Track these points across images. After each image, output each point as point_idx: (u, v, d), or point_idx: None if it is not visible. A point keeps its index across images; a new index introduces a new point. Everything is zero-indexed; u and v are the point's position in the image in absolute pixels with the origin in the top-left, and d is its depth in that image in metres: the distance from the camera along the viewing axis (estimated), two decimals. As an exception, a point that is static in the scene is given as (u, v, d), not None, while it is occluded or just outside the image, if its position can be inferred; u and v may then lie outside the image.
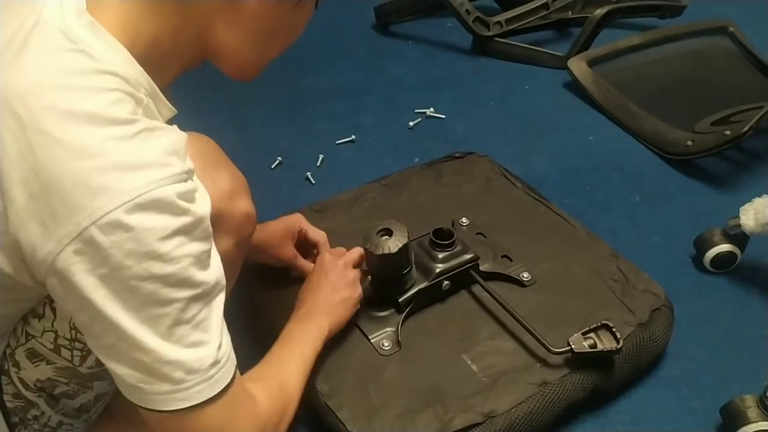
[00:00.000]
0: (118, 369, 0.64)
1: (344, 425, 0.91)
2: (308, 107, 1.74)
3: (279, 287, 1.10)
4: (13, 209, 0.59)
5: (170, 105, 0.71)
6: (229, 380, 0.67)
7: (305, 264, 1.09)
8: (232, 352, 0.69)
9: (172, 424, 0.66)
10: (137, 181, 0.58)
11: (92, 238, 0.57)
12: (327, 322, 0.95)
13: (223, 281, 0.67)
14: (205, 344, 0.65)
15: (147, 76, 0.66)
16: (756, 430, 0.94)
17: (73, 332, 0.72)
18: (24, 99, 0.59)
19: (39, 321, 0.73)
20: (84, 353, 0.74)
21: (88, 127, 0.58)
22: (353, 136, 1.62)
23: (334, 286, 0.99)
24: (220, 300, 0.67)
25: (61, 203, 0.58)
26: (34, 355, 0.74)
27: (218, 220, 0.74)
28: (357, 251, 1.05)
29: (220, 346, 0.66)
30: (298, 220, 1.10)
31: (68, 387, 0.76)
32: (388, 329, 1.03)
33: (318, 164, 1.52)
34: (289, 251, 1.08)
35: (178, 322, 0.62)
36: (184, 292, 0.62)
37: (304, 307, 0.97)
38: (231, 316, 1.15)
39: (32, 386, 0.75)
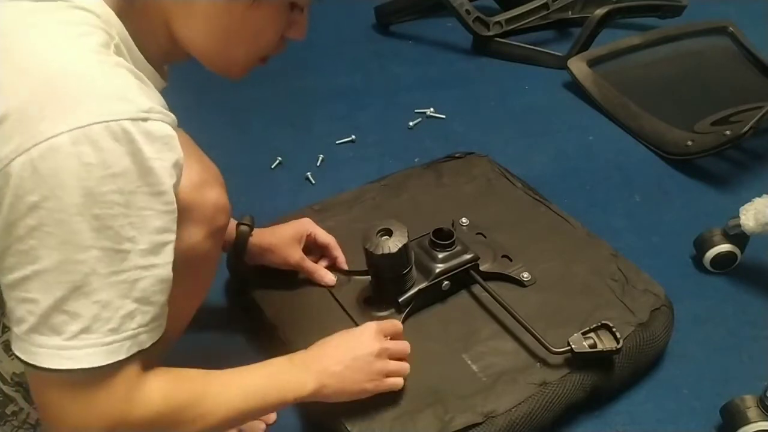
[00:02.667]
0: (17, 309, 0.59)
1: (344, 425, 0.91)
2: (308, 107, 1.74)
3: (280, 288, 1.10)
4: None
5: (156, 73, 0.71)
6: (120, 357, 0.62)
7: (312, 266, 1.09)
8: (147, 334, 0.63)
9: (42, 382, 0.62)
10: (89, 110, 0.56)
11: (30, 160, 0.55)
12: (315, 385, 0.83)
13: (169, 277, 0.64)
14: (115, 309, 0.60)
15: (121, 23, 0.65)
16: (756, 430, 0.94)
17: None
18: None
19: None
20: None
21: (52, 57, 0.58)
22: (353, 136, 1.62)
23: (352, 348, 0.88)
24: (152, 273, 0.62)
25: (15, 120, 0.56)
26: (10, 348, 0.72)
27: (188, 210, 0.73)
28: (406, 345, 0.94)
29: (131, 319, 0.61)
30: (306, 224, 1.10)
31: None
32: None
33: (318, 164, 1.52)
34: (297, 254, 1.08)
35: (93, 273, 0.58)
36: (103, 242, 0.58)
37: (308, 353, 0.87)
38: (229, 316, 1.15)
39: (9, 380, 0.74)
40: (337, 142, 1.60)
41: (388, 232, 0.99)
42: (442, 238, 1.07)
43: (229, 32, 0.71)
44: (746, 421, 0.94)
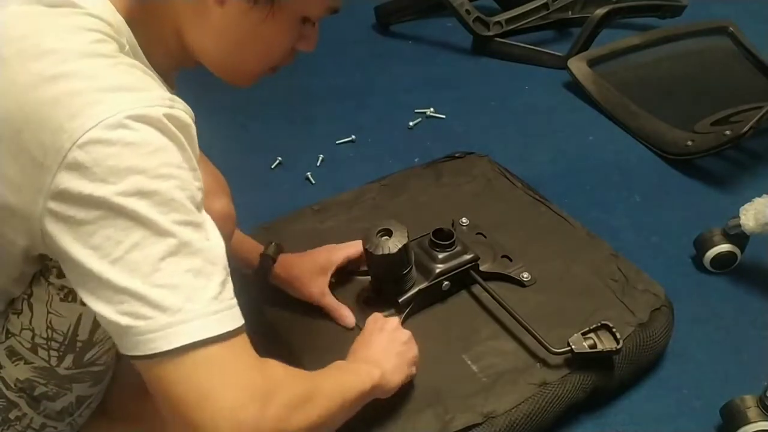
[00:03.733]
0: (103, 309, 0.57)
1: (344, 425, 0.91)
2: (308, 107, 1.74)
3: (280, 288, 1.08)
4: None
5: (164, 82, 0.71)
6: (237, 324, 0.59)
7: (333, 304, 1.05)
8: (238, 308, 0.61)
9: (163, 372, 0.56)
10: (117, 101, 0.57)
11: (75, 159, 0.55)
12: (380, 370, 0.85)
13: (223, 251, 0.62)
14: (206, 276, 0.58)
15: (131, 31, 0.65)
16: (756, 430, 0.94)
17: (49, 331, 0.71)
18: (7, 44, 0.59)
19: (18, 317, 0.72)
20: (60, 354, 0.73)
21: (70, 60, 0.58)
22: (353, 136, 1.62)
23: (390, 340, 0.92)
24: (218, 245, 0.60)
25: (43, 132, 0.56)
26: (13, 354, 0.73)
27: None
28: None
29: (223, 286, 0.59)
30: (331, 256, 1.07)
31: (47, 388, 0.75)
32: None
33: (318, 164, 1.52)
34: (318, 288, 1.05)
35: (169, 251, 0.56)
36: (173, 215, 0.57)
37: (355, 356, 0.90)
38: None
39: (13, 386, 0.75)
40: (337, 142, 1.60)
41: (388, 233, 0.99)
42: (442, 238, 1.07)
43: (241, 44, 0.71)
44: (746, 421, 0.94)
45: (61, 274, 0.66)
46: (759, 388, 0.95)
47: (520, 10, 1.98)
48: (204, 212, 0.62)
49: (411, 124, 1.67)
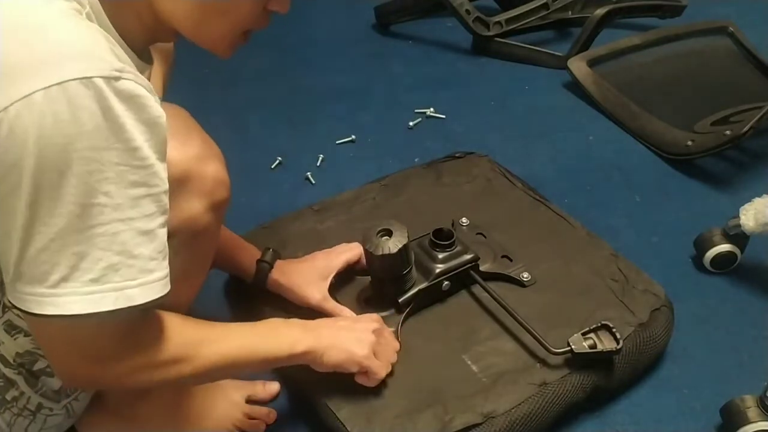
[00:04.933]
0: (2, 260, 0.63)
1: (344, 425, 0.92)
2: (308, 107, 1.74)
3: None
4: None
5: (132, 51, 0.71)
6: (105, 309, 0.63)
7: (334, 308, 1.04)
8: (137, 290, 0.64)
9: (43, 330, 0.67)
10: (65, 67, 0.57)
11: (8, 121, 0.56)
12: (310, 343, 0.86)
13: (150, 231, 0.64)
14: (89, 258, 0.61)
15: (100, 7, 0.66)
16: (756, 430, 0.94)
17: None
18: None
19: None
20: None
21: (27, 14, 0.59)
22: (353, 136, 1.62)
23: (350, 328, 0.93)
24: (137, 240, 0.63)
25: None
26: (12, 328, 0.74)
27: (187, 181, 0.76)
28: (397, 344, 1.00)
29: (109, 267, 0.62)
30: (330, 261, 1.06)
31: (47, 362, 0.76)
32: (388, 329, 1.03)
33: (318, 164, 1.52)
34: (318, 293, 1.04)
35: (65, 228, 0.60)
36: (83, 197, 0.59)
37: (309, 321, 0.92)
38: (229, 316, 1.15)
39: (12, 362, 0.75)
40: (337, 142, 1.60)
41: (388, 233, 0.99)
42: (442, 238, 1.07)
43: (209, 9, 0.71)
44: (746, 421, 0.94)
45: None
46: (759, 388, 0.95)
47: (520, 10, 1.98)
48: (141, 188, 0.63)
49: (411, 124, 1.67)
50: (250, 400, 1.01)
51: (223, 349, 0.78)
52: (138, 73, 0.63)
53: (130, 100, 0.60)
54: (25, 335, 0.74)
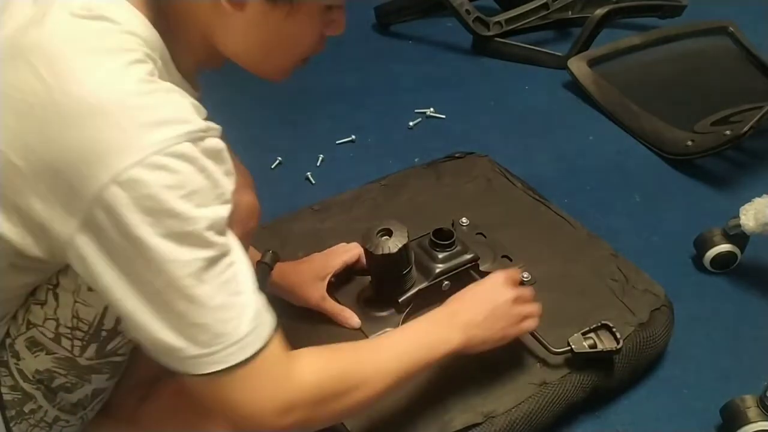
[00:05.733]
0: (143, 336, 0.63)
1: (344, 425, 0.91)
2: (308, 107, 1.74)
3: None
4: (22, 174, 0.59)
5: (190, 86, 0.73)
6: (260, 345, 0.65)
7: (334, 308, 1.04)
8: (267, 314, 0.67)
9: (201, 386, 0.65)
10: (156, 138, 0.58)
11: (112, 195, 0.57)
12: (462, 338, 0.85)
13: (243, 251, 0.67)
14: (231, 307, 0.64)
15: (163, 43, 0.67)
16: (756, 430, 0.94)
17: (75, 320, 0.72)
18: (47, 60, 0.59)
19: (41, 308, 0.73)
20: (84, 343, 0.74)
21: (108, 86, 0.59)
22: (353, 136, 1.62)
23: (495, 311, 0.89)
24: (242, 266, 0.66)
25: (79, 164, 0.57)
26: (34, 345, 0.74)
27: None
28: (531, 289, 0.98)
29: (248, 310, 0.65)
30: (329, 262, 1.07)
31: (66, 379, 0.76)
32: (388, 329, 1.03)
33: (318, 164, 1.52)
34: (317, 293, 1.04)
35: (199, 282, 0.61)
36: (204, 252, 0.61)
37: (447, 309, 0.88)
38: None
39: (31, 378, 0.75)
40: (337, 142, 1.60)
41: (388, 232, 0.99)
42: (442, 238, 1.07)
43: (268, 44, 0.72)
44: (746, 421, 0.94)
45: None
46: (759, 388, 0.95)
47: (520, 10, 1.98)
48: (230, 235, 0.65)
49: (411, 124, 1.67)
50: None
51: (380, 364, 0.77)
52: (214, 125, 0.64)
53: (217, 155, 0.63)
54: (47, 353, 0.74)
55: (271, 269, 1.05)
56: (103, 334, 0.74)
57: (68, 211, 0.59)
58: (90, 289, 0.71)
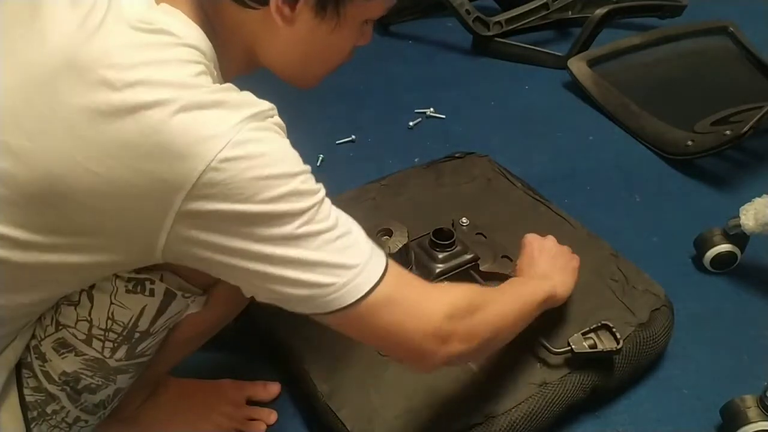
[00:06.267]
0: (286, 290, 0.65)
1: (344, 425, 0.91)
2: (308, 107, 1.73)
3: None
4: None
5: None
6: (386, 260, 0.69)
7: None
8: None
9: (356, 317, 0.67)
10: (236, 118, 0.61)
11: (210, 179, 0.59)
12: (551, 282, 0.93)
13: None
14: (347, 235, 0.67)
15: (215, 55, 0.69)
16: (756, 430, 0.94)
17: (109, 322, 0.73)
18: (111, 71, 0.60)
19: (74, 309, 0.73)
20: (115, 345, 0.74)
21: (178, 91, 0.61)
22: (353, 136, 1.62)
23: (553, 256, 0.99)
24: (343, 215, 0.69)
25: (169, 163, 0.59)
26: (63, 346, 0.74)
27: None
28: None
29: (359, 233, 0.69)
30: None
31: (92, 380, 0.76)
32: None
33: (318, 164, 1.52)
34: None
35: (317, 230, 0.65)
36: (309, 201, 0.65)
37: (529, 271, 0.96)
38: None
39: (57, 379, 0.75)
40: (337, 142, 1.60)
41: (388, 232, 0.99)
42: (442, 238, 1.07)
43: (311, 55, 0.76)
44: (746, 421, 0.94)
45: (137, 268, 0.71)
46: (759, 387, 0.95)
47: (520, 10, 1.98)
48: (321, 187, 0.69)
49: (411, 124, 1.67)
50: (250, 401, 1.01)
51: (508, 296, 0.84)
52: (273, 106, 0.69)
53: (284, 130, 0.68)
54: (76, 354, 0.74)
55: None
56: (136, 335, 0.74)
57: (163, 209, 0.61)
58: (128, 291, 0.72)
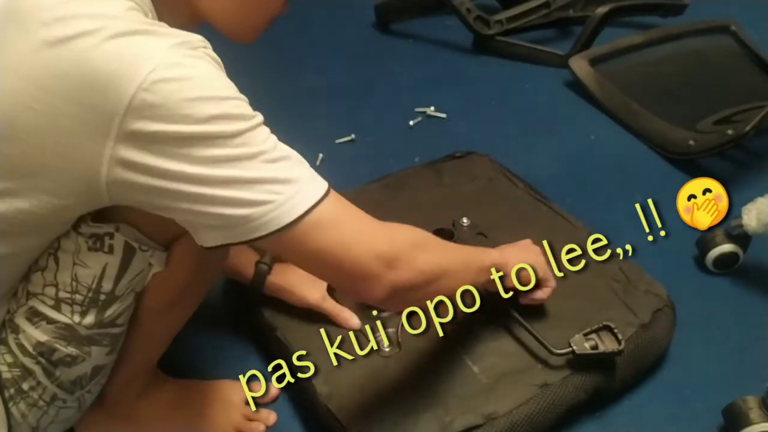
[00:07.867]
0: (226, 211, 0.66)
1: (344, 426, 0.91)
2: (308, 106, 1.73)
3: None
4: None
5: None
6: (328, 185, 0.71)
7: (334, 308, 1.03)
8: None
9: (298, 236, 0.68)
10: (166, 44, 0.63)
11: (143, 100, 0.61)
12: (504, 253, 0.94)
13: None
14: (286, 159, 0.69)
15: (152, 4, 0.70)
16: (758, 431, 0.93)
17: (74, 284, 0.74)
18: (45, 12, 0.63)
19: (41, 274, 0.74)
20: (83, 309, 0.75)
21: (107, 21, 0.63)
22: (353, 136, 1.61)
23: (519, 247, 1.00)
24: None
25: (100, 89, 0.61)
26: (34, 315, 0.75)
27: None
28: None
29: (300, 161, 0.71)
30: None
31: (67, 351, 0.76)
32: (389, 330, 1.02)
33: (318, 163, 1.51)
34: (317, 293, 1.03)
35: (254, 152, 0.67)
36: (244, 123, 0.67)
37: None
38: (227, 316, 1.15)
39: (31, 351, 0.76)
40: (337, 141, 1.60)
41: (388, 233, 0.99)
42: (443, 238, 1.06)
43: (249, 4, 0.77)
44: (748, 423, 0.94)
45: (96, 218, 0.73)
46: (761, 389, 0.95)
47: (521, 8, 1.97)
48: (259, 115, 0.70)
49: (411, 123, 1.67)
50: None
51: (455, 257, 0.86)
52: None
53: (218, 61, 0.68)
54: (48, 322, 0.75)
55: (270, 269, 1.04)
56: (102, 297, 0.75)
57: (101, 134, 0.62)
58: (90, 249, 0.73)
